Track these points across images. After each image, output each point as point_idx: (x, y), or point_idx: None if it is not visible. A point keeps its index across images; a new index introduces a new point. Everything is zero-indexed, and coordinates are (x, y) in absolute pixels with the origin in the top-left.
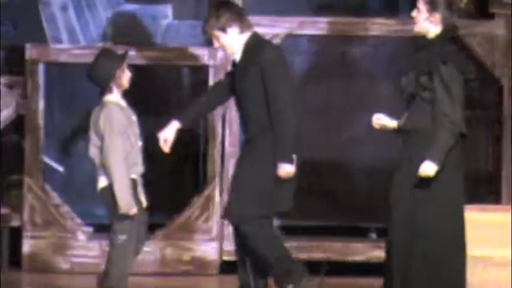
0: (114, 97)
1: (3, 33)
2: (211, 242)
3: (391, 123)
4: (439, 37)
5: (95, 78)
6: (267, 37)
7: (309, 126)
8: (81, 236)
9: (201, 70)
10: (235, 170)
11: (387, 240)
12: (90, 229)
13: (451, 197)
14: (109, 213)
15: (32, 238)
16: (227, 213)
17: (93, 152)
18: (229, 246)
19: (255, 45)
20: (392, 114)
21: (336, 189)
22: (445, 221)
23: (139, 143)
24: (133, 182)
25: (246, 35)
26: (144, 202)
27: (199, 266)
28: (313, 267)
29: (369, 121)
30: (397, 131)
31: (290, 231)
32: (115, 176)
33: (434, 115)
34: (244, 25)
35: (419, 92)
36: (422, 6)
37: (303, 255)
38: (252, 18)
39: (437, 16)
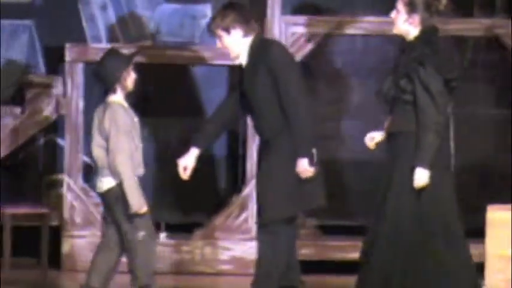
0: (118, 97)
1: (42, 33)
2: (250, 242)
3: (381, 134)
4: (418, 39)
5: (100, 77)
6: (305, 37)
7: (350, 125)
8: None
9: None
10: (259, 173)
11: (368, 240)
12: None
13: (438, 197)
14: (110, 215)
15: (71, 237)
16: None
17: (97, 152)
18: None
19: (261, 46)
20: None
21: (375, 189)
22: (433, 221)
23: (141, 145)
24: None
25: (250, 38)
26: None
27: (239, 265)
28: (349, 267)
29: None
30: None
31: (326, 230)
32: (124, 175)
33: (418, 117)
34: (249, 28)
35: (400, 95)
36: (401, 7)
37: (340, 255)
38: (291, 18)
39: (416, 18)
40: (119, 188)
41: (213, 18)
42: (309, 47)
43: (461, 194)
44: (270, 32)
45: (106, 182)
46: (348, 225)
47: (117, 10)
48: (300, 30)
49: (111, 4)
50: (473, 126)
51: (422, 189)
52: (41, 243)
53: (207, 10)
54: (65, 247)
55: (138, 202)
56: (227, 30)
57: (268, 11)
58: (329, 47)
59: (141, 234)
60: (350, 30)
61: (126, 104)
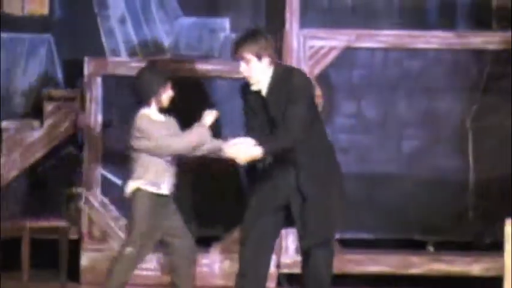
0: (149, 111)
1: (61, 47)
2: None
3: None
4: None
5: (137, 89)
6: (325, 50)
7: (367, 139)
8: None
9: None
10: (302, 198)
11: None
12: None
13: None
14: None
15: (90, 251)
16: (302, 239)
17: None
18: (287, 258)
19: (285, 74)
20: (447, 126)
21: (393, 202)
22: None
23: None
24: None
25: (272, 69)
26: None
27: None
28: (368, 281)
29: (428, 134)
30: None
31: (346, 244)
32: (178, 143)
33: None
34: (273, 59)
35: None
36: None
37: (358, 269)
38: (309, 31)
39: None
40: (133, 195)
41: (243, 41)
42: (328, 59)
43: (481, 207)
44: (289, 45)
45: (129, 187)
46: (366, 239)
47: (135, 24)
48: (319, 43)
49: (130, 18)
50: (492, 139)
51: None
52: (60, 256)
53: (226, 24)
54: (84, 260)
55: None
56: (259, 55)
57: (287, 24)
58: (348, 60)
59: (129, 249)
60: (369, 44)
61: (157, 118)
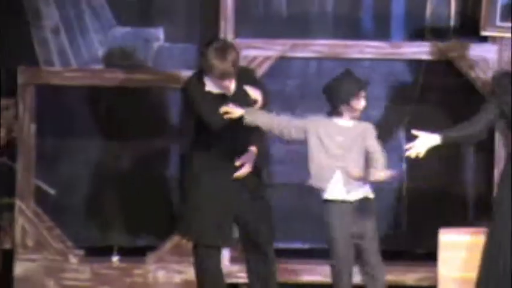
0: (339, 120)
1: None
2: None
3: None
4: None
5: (330, 94)
6: (259, 60)
7: (302, 149)
8: (72, 259)
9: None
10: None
11: None
12: (81, 252)
13: None
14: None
15: (23, 261)
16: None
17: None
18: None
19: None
20: (381, 135)
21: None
22: None
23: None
24: None
25: None
26: None
27: None
28: None
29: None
30: None
31: (279, 254)
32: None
33: None
34: None
35: None
36: None
37: (294, 278)
38: (244, 41)
39: None
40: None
41: (235, 61)
42: (263, 69)
43: (415, 217)
44: None
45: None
46: (300, 249)
47: (69, 33)
48: (253, 53)
49: (63, 27)
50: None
51: None
52: None
53: (160, 33)
54: (17, 270)
55: None
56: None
57: (222, 34)
58: (282, 69)
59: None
60: (303, 53)
61: (344, 125)
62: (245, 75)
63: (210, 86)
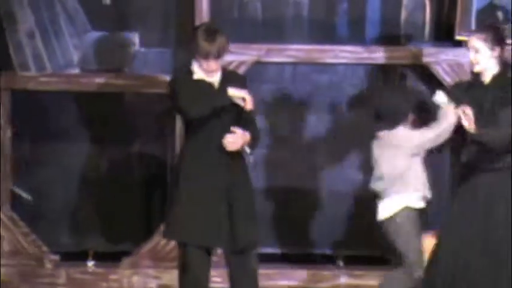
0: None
1: None
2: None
3: None
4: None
5: (384, 112)
6: (234, 64)
7: (276, 154)
8: (48, 264)
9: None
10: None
11: None
12: (56, 257)
13: None
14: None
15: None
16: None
17: None
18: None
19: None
20: (358, 143)
21: (303, 216)
22: None
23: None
24: None
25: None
26: None
27: None
28: None
29: (337, 147)
30: None
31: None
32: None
33: None
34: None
35: None
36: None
37: (269, 283)
38: None
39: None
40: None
41: (223, 44)
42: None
43: None
44: None
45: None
46: (274, 253)
47: (44, 38)
48: (228, 57)
49: (39, 32)
50: None
51: None
52: None
53: (135, 38)
54: None
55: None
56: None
57: None
58: (257, 74)
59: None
60: (279, 58)
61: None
62: (235, 78)
63: (199, 73)
